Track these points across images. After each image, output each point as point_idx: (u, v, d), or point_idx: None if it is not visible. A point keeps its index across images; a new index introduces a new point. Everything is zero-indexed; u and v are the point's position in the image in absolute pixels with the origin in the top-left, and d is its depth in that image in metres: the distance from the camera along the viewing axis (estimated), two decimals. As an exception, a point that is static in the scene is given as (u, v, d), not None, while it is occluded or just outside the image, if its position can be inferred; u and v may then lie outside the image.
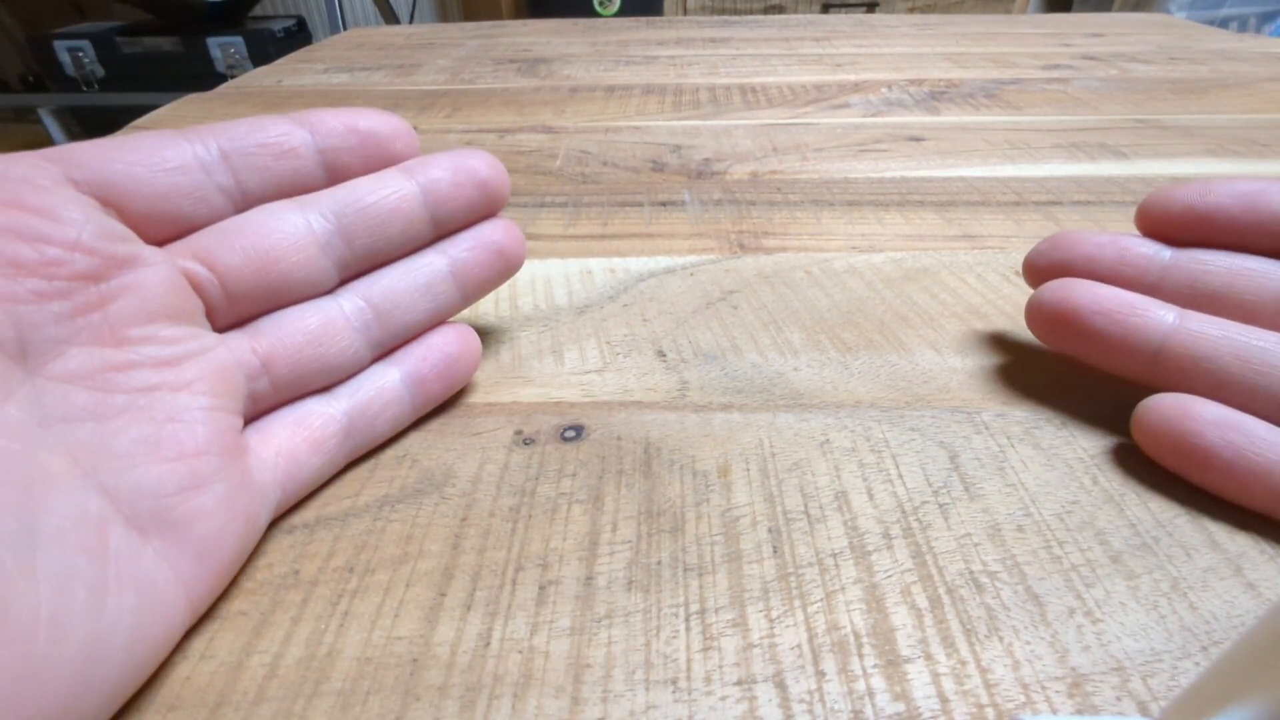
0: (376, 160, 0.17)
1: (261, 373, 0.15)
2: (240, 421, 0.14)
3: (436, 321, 0.18)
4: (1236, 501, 0.14)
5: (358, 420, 0.16)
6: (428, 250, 0.17)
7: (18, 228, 0.11)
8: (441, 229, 0.17)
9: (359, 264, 0.16)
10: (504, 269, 0.18)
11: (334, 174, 0.16)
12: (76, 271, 0.12)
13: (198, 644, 0.12)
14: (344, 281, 0.16)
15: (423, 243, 0.17)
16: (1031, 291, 0.18)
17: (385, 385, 0.16)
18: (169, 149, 0.14)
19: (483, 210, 0.18)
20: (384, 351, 0.17)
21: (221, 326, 0.15)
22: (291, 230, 0.15)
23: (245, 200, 0.15)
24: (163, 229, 0.14)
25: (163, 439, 0.12)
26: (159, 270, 0.13)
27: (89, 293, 0.12)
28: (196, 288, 0.14)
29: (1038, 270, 0.19)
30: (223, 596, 0.13)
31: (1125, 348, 0.16)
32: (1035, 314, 0.18)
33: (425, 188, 0.17)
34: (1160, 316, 0.16)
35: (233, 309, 0.15)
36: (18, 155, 0.13)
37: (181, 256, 0.14)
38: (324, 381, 0.16)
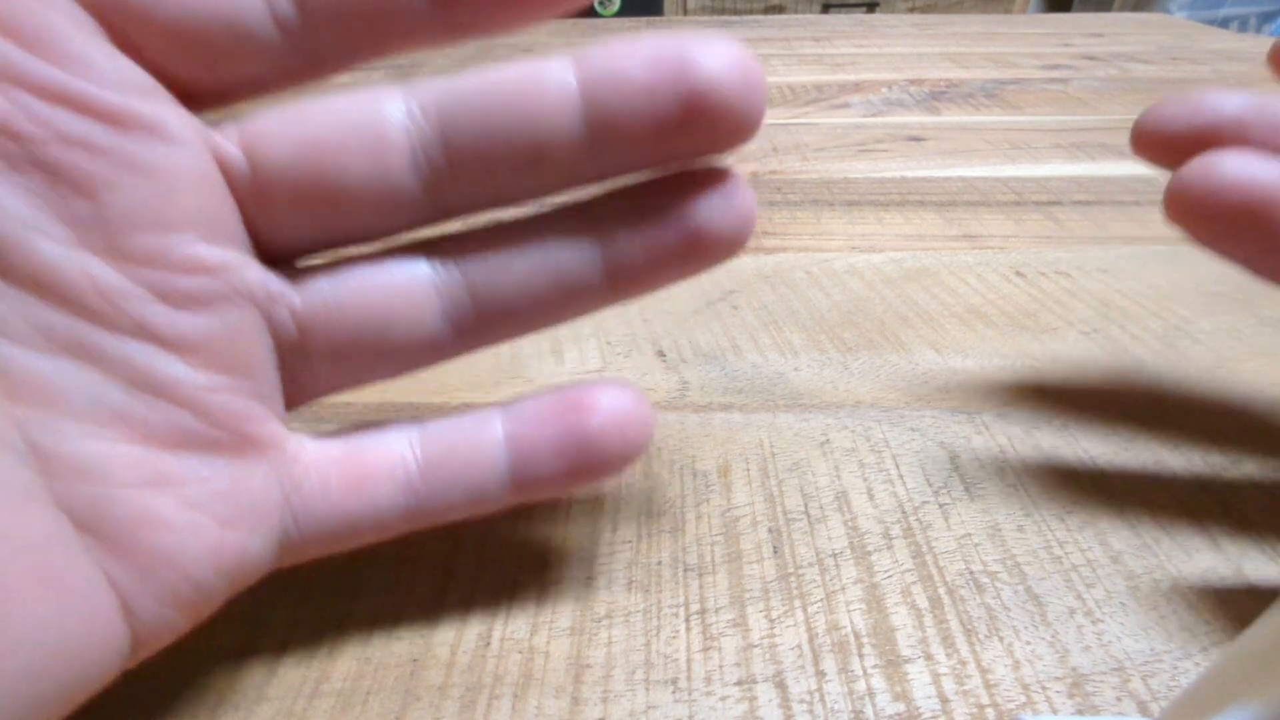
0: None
1: (298, 347, 0.10)
2: (263, 410, 0.10)
3: (556, 317, 0.12)
4: None
5: (431, 474, 0.11)
6: (577, 216, 0.11)
7: None
8: (610, 164, 0.11)
9: (461, 192, 0.10)
10: (695, 262, 0.11)
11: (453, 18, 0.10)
12: (65, 134, 0.08)
13: (197, 644, 0.12)
14: (434, 210, 0.11)
15: (577, 177, 0.11)
16: (1171, 172, 0.12)
17: (480, 439, 0.11)
18: None
19: (687, 143, 0.10)
20: (471, 335, 0.11)
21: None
22: (370, 119, 0.10)
23: (308, 43, 0.10)
24: (186, 80, 0.09)
25: (129, 411, 0.09)
26: (188, 152, 0.09)
27: (77, 168, 0.08)
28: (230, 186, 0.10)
29: (1163, 142, 0.13)
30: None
31: None
32: (1182, 203, 0.12)
33: (592, 85, 0.10)
34: None
35: (271, 230, 0.10)
36: None
37: (222, 134, 0.10)
38: (383, 373, 0.11)
